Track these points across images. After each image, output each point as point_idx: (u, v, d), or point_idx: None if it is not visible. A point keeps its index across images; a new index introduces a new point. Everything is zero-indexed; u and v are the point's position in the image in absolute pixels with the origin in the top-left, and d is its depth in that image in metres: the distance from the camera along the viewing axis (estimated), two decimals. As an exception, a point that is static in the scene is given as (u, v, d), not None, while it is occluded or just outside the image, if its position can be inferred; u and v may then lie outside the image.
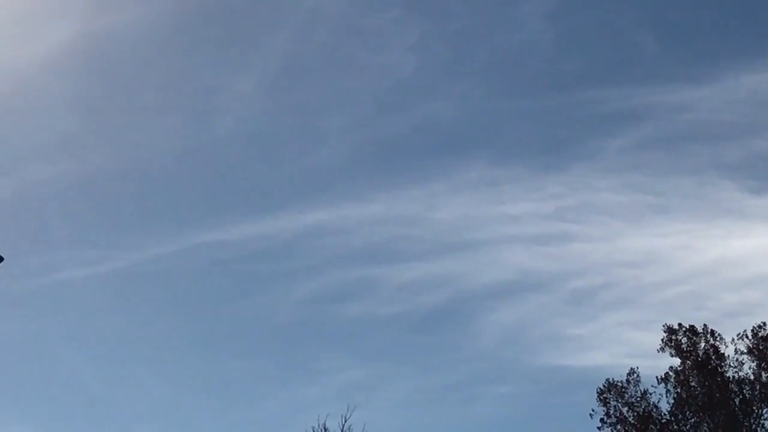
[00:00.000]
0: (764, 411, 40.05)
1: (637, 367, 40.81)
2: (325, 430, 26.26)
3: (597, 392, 41.46)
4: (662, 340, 42.09)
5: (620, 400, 41.21)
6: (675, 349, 41.76)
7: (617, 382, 41.62)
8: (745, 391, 40.52)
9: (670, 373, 41.82)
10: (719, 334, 41.72)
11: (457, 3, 37.92)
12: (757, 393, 40.46)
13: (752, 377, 40.90)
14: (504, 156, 39.04)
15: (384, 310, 37.22)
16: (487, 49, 39.58)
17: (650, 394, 41.56)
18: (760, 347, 40.97)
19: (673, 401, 41.12)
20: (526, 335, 37.48)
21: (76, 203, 36.93)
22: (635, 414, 40.62)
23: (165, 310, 36.86)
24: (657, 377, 41.68)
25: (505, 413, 34.52)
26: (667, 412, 40.74)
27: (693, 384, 41.11)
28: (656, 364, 38.88)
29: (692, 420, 40.56)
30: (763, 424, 39.56)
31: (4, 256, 14.46)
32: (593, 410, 40.16)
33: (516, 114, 38.98)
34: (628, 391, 41.45)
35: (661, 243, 40.71)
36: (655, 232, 41.21)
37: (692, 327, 42.14)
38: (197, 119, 36.58)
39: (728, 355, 41.38)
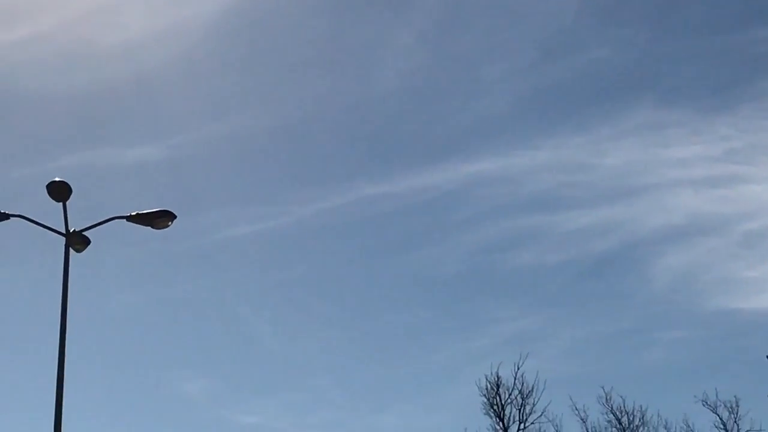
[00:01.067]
0: None
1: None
2: (499, 378, 26.35)
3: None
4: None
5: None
6: None
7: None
8: None
9: None
10: None
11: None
12: None
13: None
14: (669, 99, 38.86)
15: (552, 258, 37.28)
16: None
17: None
18: None
19: None
20: (698, 279, 36.92)
21: (242, 161, 38.08)
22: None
23: (332, 264, 37.61)
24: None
25: (678, 358, 34.13)
26: None
27: None
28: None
29: None
30: None
31: (176, 214, 14.75)
32: (769, 354, 38.34)
33: (680, 56, 38.64)
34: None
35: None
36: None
37: None
38: (358, 74, 37.32)
39: None
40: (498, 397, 25.73)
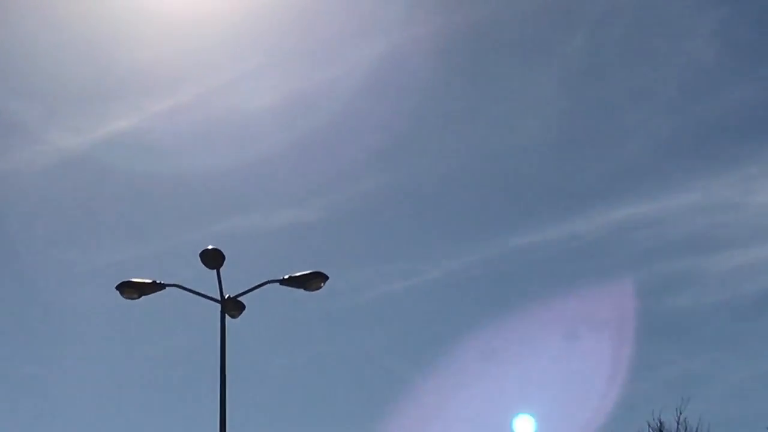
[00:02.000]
0: None
1: None
2: (661, 423, 25.69)
3: None
4: None
5: None
6: None
7: None
8: None
9: None
10: None
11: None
12: None
13: None
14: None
15: (710, 299, 36.37)
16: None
17: None
18: None
19: None
20: None
21: (390, 217, 38.10)
22: None
23: (484, 315, 37.20)
24: None
25: None
26: None
27: None
28: None
29: None
30: None
31: (328, 275, 14.85)
32: None
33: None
34: None
35: None
36: None
37: None
38: (500, 125, 37.13)
39: None
40: (662, 443, 25.31)
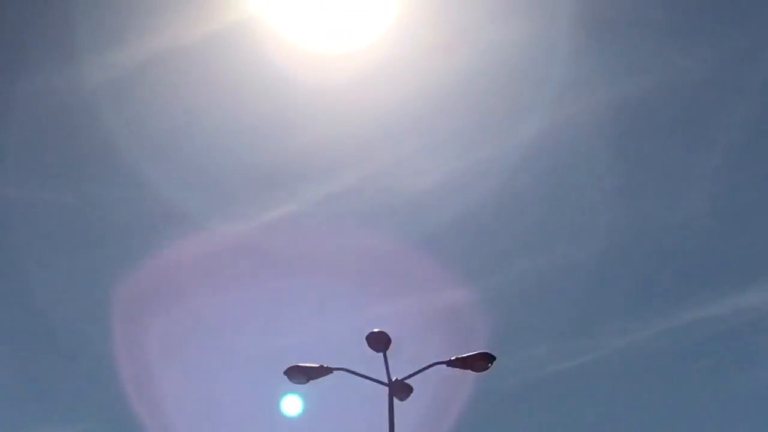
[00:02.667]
0: None
1: None
2: None
3: None
4: None
5: None
6: None
7: None
8: None
9: None
10: None
11: None
12: None
13: None
14: None
15: None
16: None
17: None
18: None
19: None
20: None
21: (555, 295, 37.62)
22: None
23: (654, 393, 36.21)
24: None
25: None
26: None
27: None
28: None
29: None
30: None
31: (495, 354, 14.74)
32: None
33: None
34: None
35: None
36: None
37: None
38: (666, 198, 36.53)
39: None
40: None
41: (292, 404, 25.32)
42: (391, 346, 14.65)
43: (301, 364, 14.59)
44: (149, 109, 26.84)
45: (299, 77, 25.73)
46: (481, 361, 14.76)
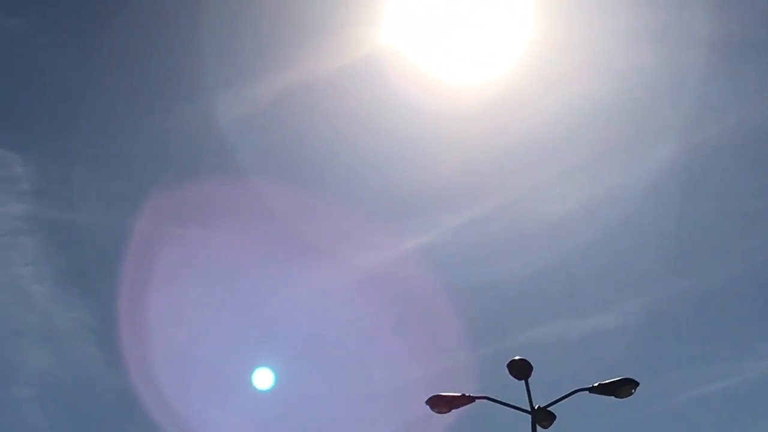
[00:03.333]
0: None
1: None
2: None
3: None
4: None
5: None
6: None
7: None
8: None
9: None
10: None
11: None
12: None
13: None
14: None
15: None
16: None
17: None
18: None
19: None
20: None
21: (695, 318, 36.97)
22: None
23: None
24: None
25: None
26: None
27: None
28: None
29: None
30: None
31: (638, 380, 14.64)
32: None
33: None
34: None
35: None
36: None
37: None
38: None
39: None
40: None
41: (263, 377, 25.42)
42: (533, 373, 14.65)
43: (443, 393, 14.65)
44: (283, 144, 27.23)
45: (432, 107, 25.84)
46: (624, 387, 14.63)
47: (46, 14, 26.95)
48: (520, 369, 14.46)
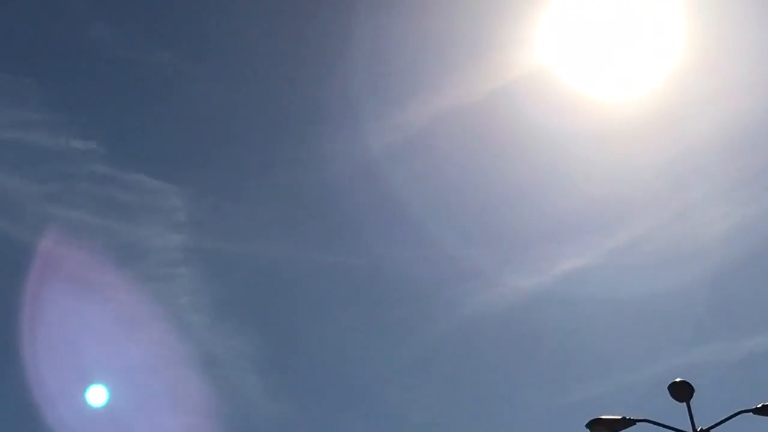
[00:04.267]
0: None
1: None
2: None
3: None
4: None
5: None
6: None
7: None
8: None
9: None
10: None
11: None
12: None
13: None
14: None
15: None
16: None
17: None
18: None
19: None
20: None
21: None
22: None
23: None
24: None
25: None
26: None
27: None
28: None
29: None
30: None
31: None
32: None
33: None
34: None
35: None
36: None
37: None
38: None
39: None
40: None
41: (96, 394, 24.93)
42: (694, 395, 14.42)
43: (603, 417, 14.48)
44: (434, 169, 27.31)
45: (585, 127, 25.64)
46: (789, 408, 14.32)
47: (200, 49, 27.63)
48: (682, 391, 14.24)
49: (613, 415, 14.78)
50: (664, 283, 33.58)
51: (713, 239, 33.89)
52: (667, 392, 14.52)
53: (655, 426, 14.70)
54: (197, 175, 27.79)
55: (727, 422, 14.63)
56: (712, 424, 14.62)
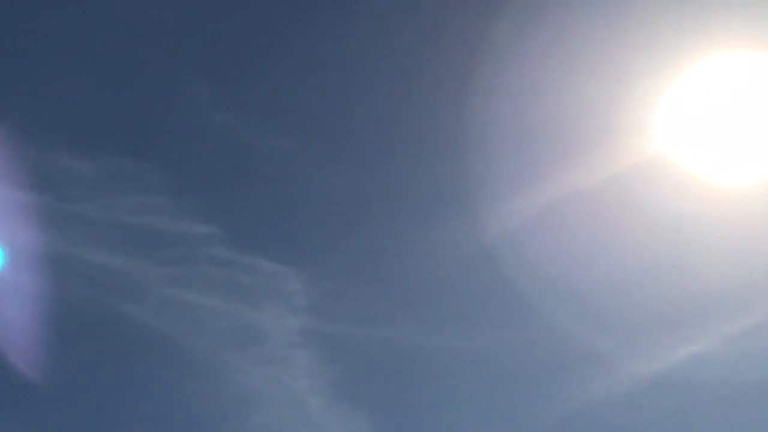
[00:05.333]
0: None
1: None
2: None
3: None
4: None
5: None
6: None
7: None
8: None
9: None
10: None
11: None
12: None
13: None
14: None
15: None
16: None
17: None
18: None
19: None
20: None
21: None
22: None
23: None
24: None
25: None
26: None
27: None
28: None
29: None
30: None
31: None
32: None
33: None
34: None
35: None
36: None
37: None
38: None
39: None
40: None
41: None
42: None
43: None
44: (550, 253, 27.43)
45: (703, 212, 25.52)
46: None
47: (319, 134, 28.23)
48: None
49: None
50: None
51: None
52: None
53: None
54: (314, 258, 28.32)
55: None
56: None
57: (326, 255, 27.95)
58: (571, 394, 27.29)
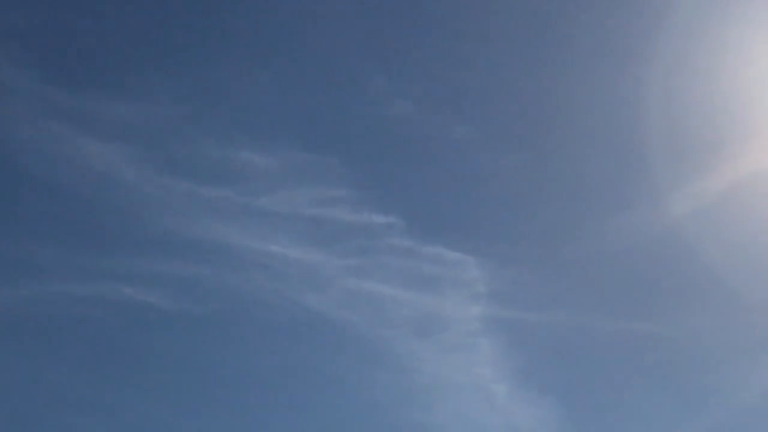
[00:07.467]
0: None
1: None
2: None
3: None
4: None
5: None
6: None
7: None
8: None
9: None
10: None
11: None
12: None
13: None
14: None
15: None
16: None
17: None
18: None
19: None
20: None
21: None
22: None
23: None
24: None
25: None
26: None
27: None
28: None
29: None
30: None
31: None
32: None
33: None
34: None
35: None
36: None
37: None
38: None
39: None
40: None
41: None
42: None
43: None
44: (736, 234, 26.92)
45: None
46: None
47: (492, 122, 28.17)
48: None
49: None
50: None
51: None
52: None
53: None
54: (494, 246, 28.22)
55: None
56: None
57: (506, 242, 27.93)
58: (759, 378, 26.77)
